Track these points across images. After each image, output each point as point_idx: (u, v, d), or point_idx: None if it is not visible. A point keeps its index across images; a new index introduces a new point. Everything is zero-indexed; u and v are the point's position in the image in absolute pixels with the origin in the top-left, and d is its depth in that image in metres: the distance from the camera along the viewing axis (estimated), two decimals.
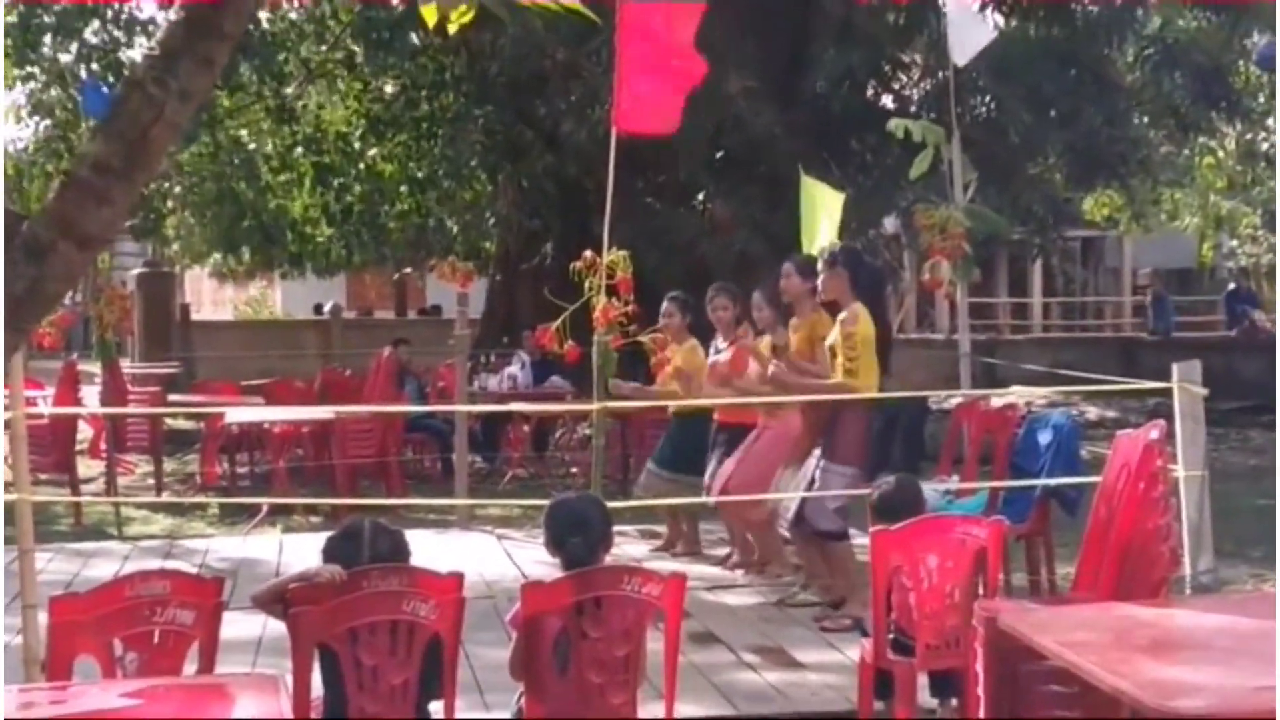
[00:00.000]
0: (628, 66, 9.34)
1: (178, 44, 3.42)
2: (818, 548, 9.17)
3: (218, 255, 29.13)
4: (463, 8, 3.35)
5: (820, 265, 9.08)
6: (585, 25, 16.86)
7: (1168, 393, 8.37)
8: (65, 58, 23.05)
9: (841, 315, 8.73)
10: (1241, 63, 22.98)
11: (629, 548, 10.80)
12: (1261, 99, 26.09)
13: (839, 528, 8.80)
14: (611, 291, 9.24)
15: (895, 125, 12.50)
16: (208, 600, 5.15)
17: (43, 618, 5.16)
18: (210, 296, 46.18)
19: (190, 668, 5.10)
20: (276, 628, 5.10)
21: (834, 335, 8.79)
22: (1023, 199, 20.10)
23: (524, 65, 19.65)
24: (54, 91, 23.67)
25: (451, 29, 3.45)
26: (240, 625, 6.82)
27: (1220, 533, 8.61)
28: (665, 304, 10.91)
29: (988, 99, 19.76)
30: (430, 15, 3.36)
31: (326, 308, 29.90)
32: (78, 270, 3.60)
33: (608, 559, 5.55)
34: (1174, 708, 3.91)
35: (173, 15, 3.60)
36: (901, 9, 20.03)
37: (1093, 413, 20.46)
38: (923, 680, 6.29)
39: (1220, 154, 30.78)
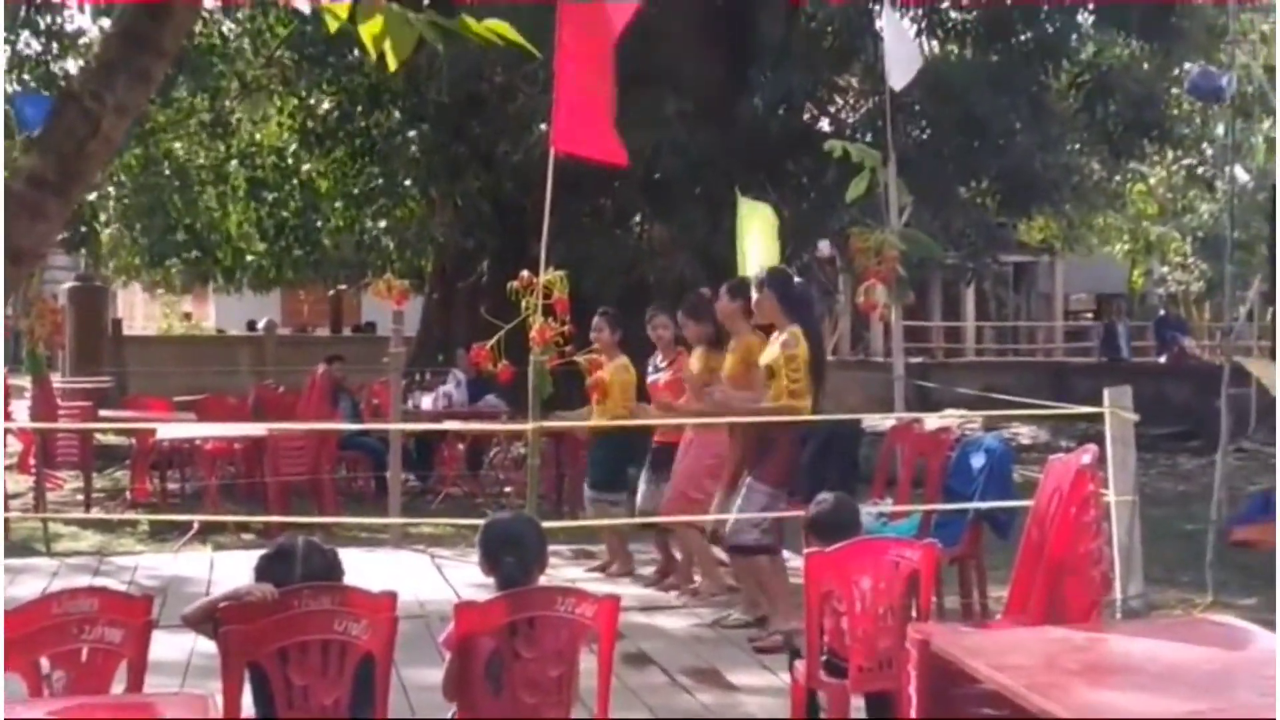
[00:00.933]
0: (565, 87, 9.35)
1: (114, 58, 3.38)
2: (742, 564, 9.20)
3: (149, 269, 28.86)
4: (403, 41, 3.33)
5: (753, 288, 9.12)
6: (522, 49, 16.99)
7: (1099, 417, 8.43)
8: None
9: (782, 337, 8.75)
10: (1174, 90, 23.23)
11: (564, 568, 10.78)
12: (1190, 129, 26.39)
13: (758, 541, 8.81)
14: (548, 311, 9.23)
15: (833, 146, 12.58)
16: (136, 618, 5.08)
17: None
18: (142, 311, 45.84)
19: (118, 687, 5.04)
20: (206, 647, 5.05)
21: (770, 356, 8.81)
22: (956, 223, 20.24)
23: (461, 86, 19.62)
24: None
25: (392, 64, 3.43)
26: (170, 644, 6.76)
27: (1150, 557, 8.69)
28: (596, 319, 10.93)
29: (923, 123, 19.91)
30: (371, 44, 3.34)
31: (260, 324, 29.73)
32: (13, 285, 3.56)
33: (542, 579, 5.53)
34: None
35: (108, 28, 3.58)
36: (838, 33, 20.14)
37: (1025, 436, 20.60)
38: (856, 702, 6.30)
39: (1152, 180, 31.09)
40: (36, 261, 3.59)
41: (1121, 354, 28.83)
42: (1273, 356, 14.27)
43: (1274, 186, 15.71)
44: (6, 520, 13.14)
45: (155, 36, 3.35)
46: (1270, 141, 18.62)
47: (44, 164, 3.32)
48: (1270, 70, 13.71)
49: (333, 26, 3.28)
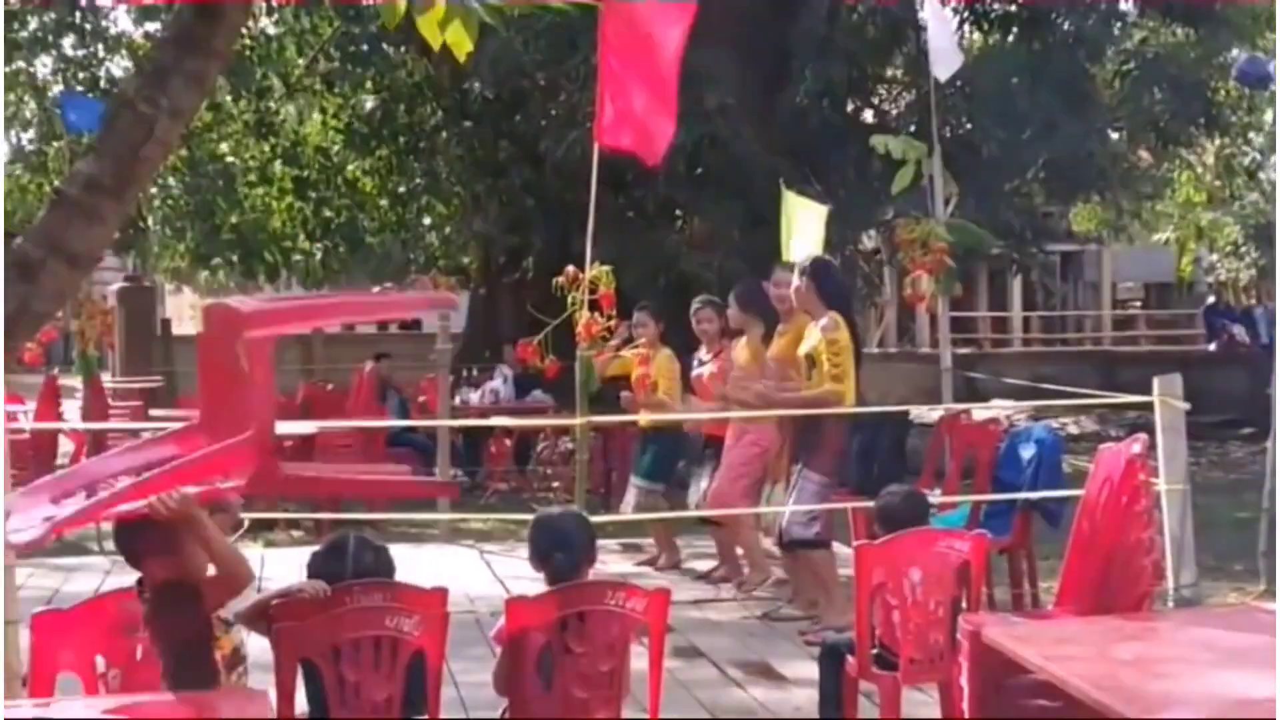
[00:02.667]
0: (610, 82, 9.35)
1: (168, 62, 3.40)
2: (796, 558, 9.19)
3: (196, 269, 29.02)
4: (466, 29, 3.33)
5: (794, 276, 9.12)
6: (564, 46, 16.94)
7: (1148, 407, 8.40)
8: (41, 70, 23.05)
9: (822, 322, 8.73)
10: (1219, 78, 23.08)
11: (613, 562, 10.79)
12: (1239, 114, 26.22)
13: (812, 535, 8.79)
14: (594, 306, 9.25)
15: (877, 141, 12.54)
16: None
17: (24, 634, 5.14)
18: (191, 311, 45.98)
19: None
20: (260, 643, 5.07)
21: (811, 343, 8.80)
22: (1002, 213, 20.17)
23: (504, 83, 19.65)
24: (31, 105, 23.65)
25: (460, 54, 3.43)
26: None
27: (1201, 546, 8.64)
28: (637, 314, 10.92)
29: (966, 115, 19.84)
30: (431, 37, 3.34)
31: None
32: (68, 289, 3.59)
33: (591, 574, 5.54)
34: None
35: (159, 32, 3.60)
36: (881, 25, 20.09)
37: (1073, 426, 20.50)
38: (908, 694, 6.29)
39: (1199, 168, 30.90)
40: (93, 265, 3.61)
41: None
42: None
43: None
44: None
45: (207, 39, 3.37)
46: None
47: (100, 168, 3.34)
48: None
49: (391, 22, 3.28)
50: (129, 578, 4.93)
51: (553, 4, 3.45)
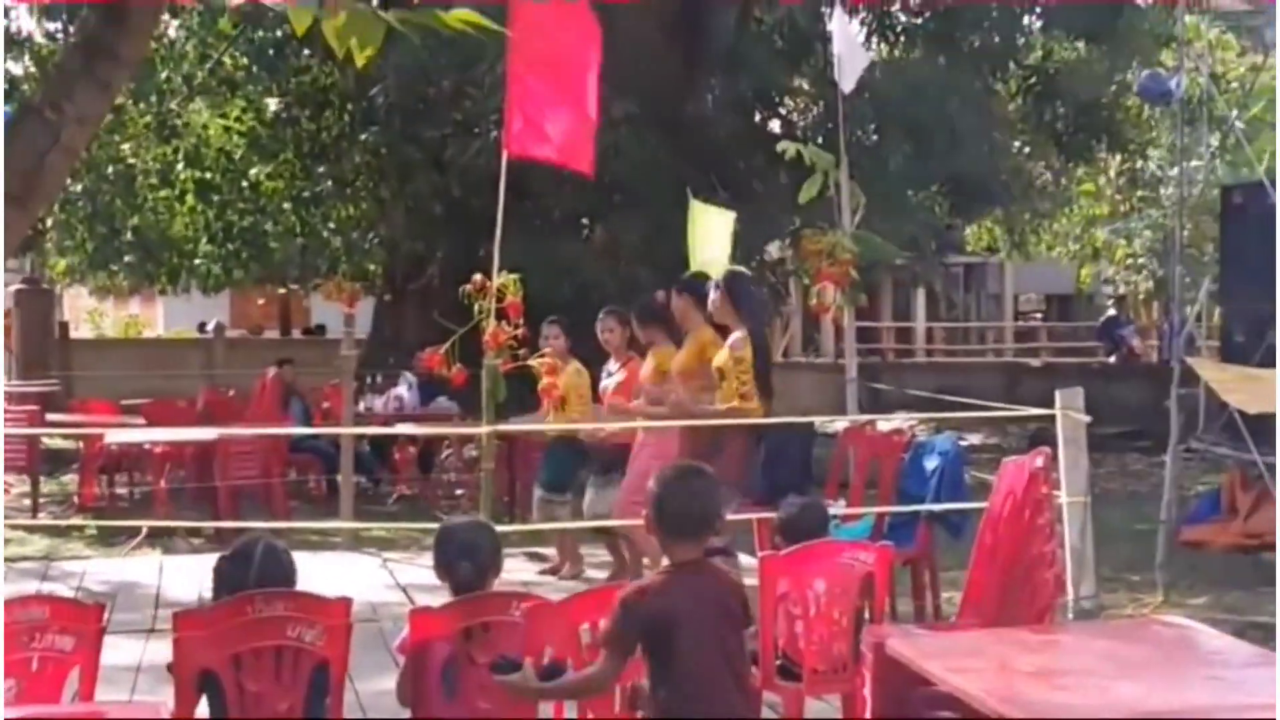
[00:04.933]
0: (518, 91, 9.33)
1: (74, 68, 3.35)
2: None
3: (94, 272, 28.66)
4: (370, 37, 3.31)
5: (711, 289, 9.15)
6: (470, 53, 16.89)
7: (1050, 418, 8.48)
8: None
9: (732, 339, 8.77)
10: (1121, 94, 23.38)
11: (517, 571, 10.75)
12: (1140, 130, 26.54)
13: (720, 544, 8.79)
14: (501, 315, 9.22)
15: (786, 147, 12.61)
16: (88, 626, 5.04)
17: None
18: (89, 314, 45.45)
19: (69, 695, 5.00)
20: (157, 655, 5.02)
21: (722, 358, 8.83)
22: (906, 226, 20.31)
23: (408, 89, 19.55)
24: None
25: (360, 60, 3.40)
26: (120, 651, 6.70)
27: (1101, 558, 8.73)
28: (547, 327, 10.93)
29: (873, 126, 19.96)
30: (336, 42, 3.31)
31: (209, 326, 29.54)
32: None
33: (496, 583, 5.51)
34: None
35: (67, 37, 3.54)
36: (788, 36, 20.18)
37: (975, 437, 20.67)
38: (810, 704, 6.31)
39: (1101, 181, 31.29)
40: None
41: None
42: (1221, 359, 14.36)
43: (1220, 189, 15.82)
44: None
45: (114, 45, 3.32)
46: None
47: (5, 176, 3.28)
48: (1216, 78, 13.82)
49: (300, 28, 3.24)
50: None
51: (458, 22, 3.38)
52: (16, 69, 23.11)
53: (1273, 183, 11.80)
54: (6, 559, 12.21)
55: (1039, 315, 43.17)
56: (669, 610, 4.87)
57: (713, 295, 9.06)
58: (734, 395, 8.68)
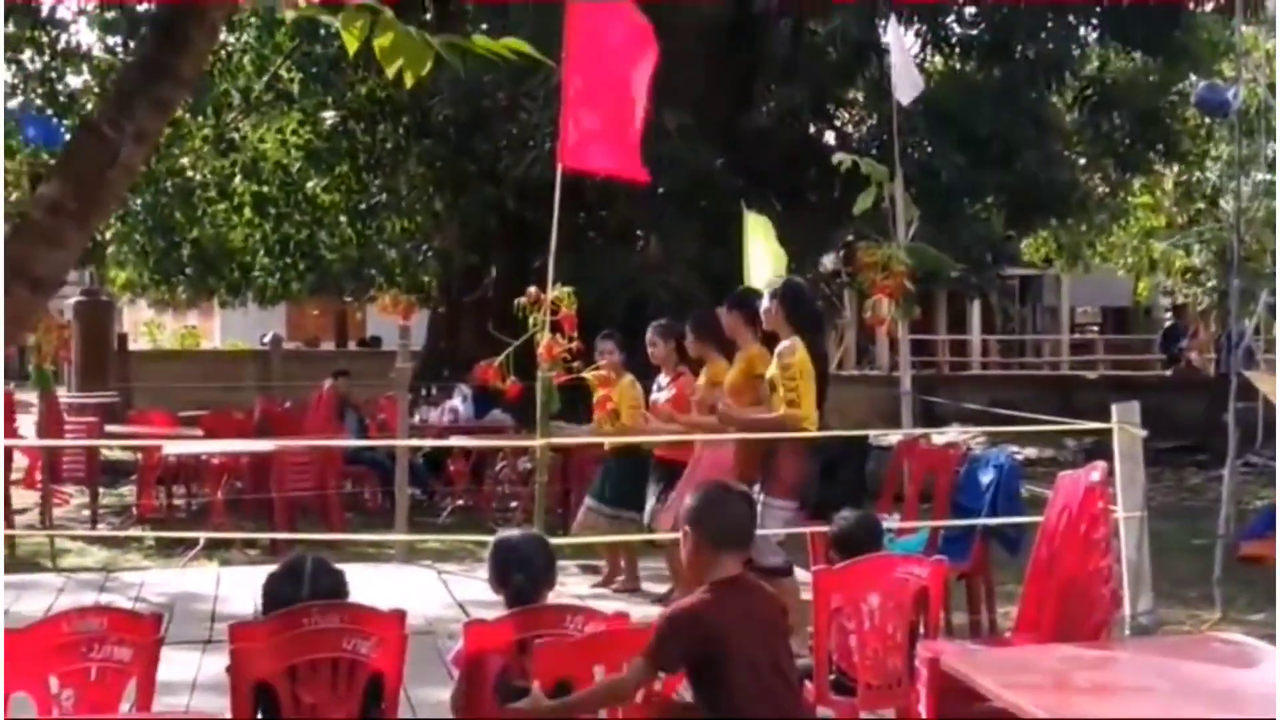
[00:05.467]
0: (573, 102, 9.35)
1: (134, 87, 3.38)
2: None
3: (154, 285, 28.88)
4: (422, 59, 3.32)
5: (764, 298, 9.14)
6: (524, 66, 16.99)
7: (1106, 432, 8.42)
8: None
9: (780, 347, 8.75)
10: (1178, 105, 23.22)
11: (570, 584, 10.75)
12: (1198, 141, 26.39)
13: (783, 562, 8.77)
14: (555, 328, 9.24)
15: (841, 159, 12.58)
16: (145, 637, 5.08)
17: None
18: (146, 326, 45.79)
19: (127, 705, 5.03)
20: (214, 666, 5.04)
21: (773, 368, 8.81)
22: (961, 238, 20.24)
23: (464, 102, 19.62)
24: None
25: (408, 81, 3.42)
26: (177, 662, 6.75)
27: (1157, 573, 8.66)
28: (601, 342, 10.96)
29: (927, 139, 19.91)
30: (386, 63, 3.33)
31: (266, 338, 29.74)
32: (32, 312, 3.55)
33: (550, 596, 5.52)
34: None
35: (117, 46, 3.56)
36: (843, 48, 20.15)
37: (1031, 451, 20.56)
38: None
39: (1158, 194, 31.10)
40: (56, 289, 3.58)
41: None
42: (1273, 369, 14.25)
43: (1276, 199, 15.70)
44: (12, 537, 13.14)
45: (174, 65, 3.35)
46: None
47: (64, 192, 3.31)
48: (1274, 88, 13.71)
49: (351, 47, 3.26)
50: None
51: (505, 49, 3.41)
52: (76, 82, 23.34)
53: None
54: (67, 569, 12.35)
55: (1095, 328, 42.89)
56: (720, 629, 4.87)
57: (765, 304, 9.04)
58: (781, 404, 8.66)
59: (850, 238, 19.04)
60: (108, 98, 3.41)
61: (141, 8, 21.42)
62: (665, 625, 4.92)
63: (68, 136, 18.99)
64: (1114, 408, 8.27)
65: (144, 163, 3.50)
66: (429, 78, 3.49)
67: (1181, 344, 29.83)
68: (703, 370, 10.18)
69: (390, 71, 3.37)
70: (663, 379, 10.81)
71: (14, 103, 22.23)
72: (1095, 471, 6.41)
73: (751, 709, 4.84)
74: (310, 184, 25.34)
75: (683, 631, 4.88)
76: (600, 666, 4.81)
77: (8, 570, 12.12)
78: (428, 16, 19.99)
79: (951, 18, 21.83)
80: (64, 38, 22.89)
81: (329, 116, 24.21)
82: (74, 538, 13.95)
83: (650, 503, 10.45)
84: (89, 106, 21.97)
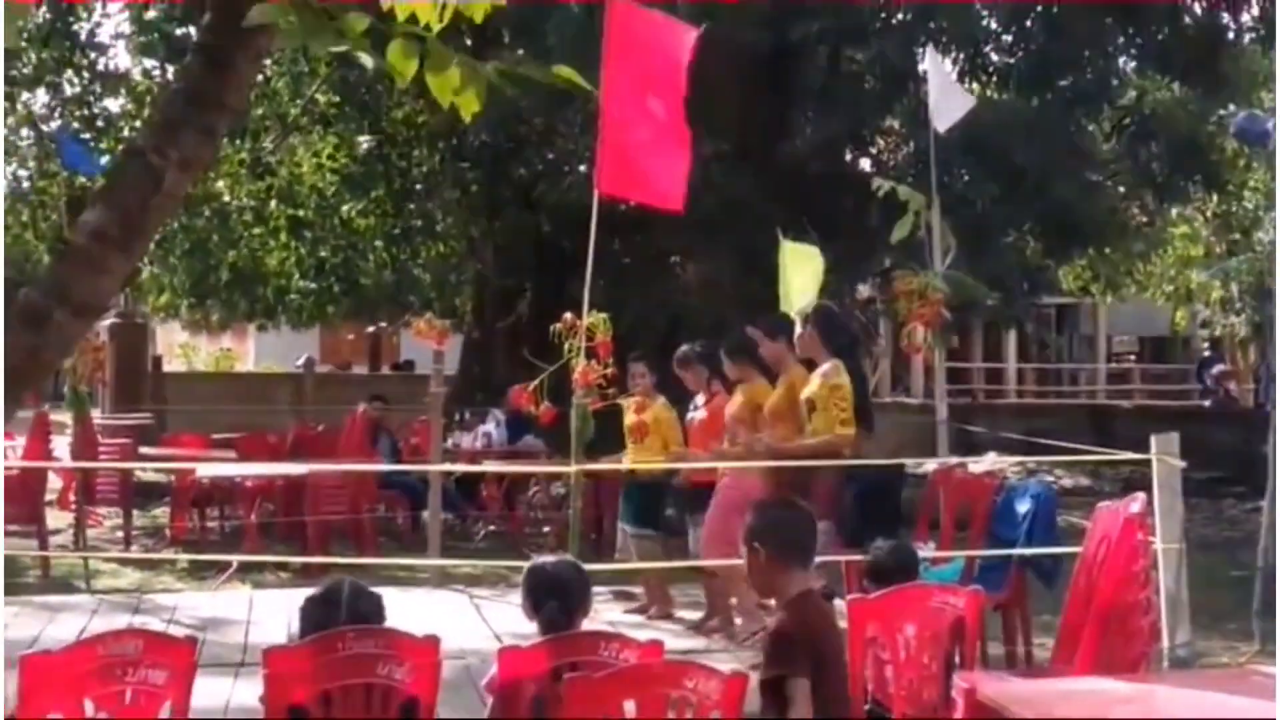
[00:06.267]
0: (611, 129, 9.34)
1: (179, 114, 3.38)
2: None
3: (190, 308, 29.03)
4: (475, 94, 3.32)
5: (798, 324, 9.13)
6: (561, 91, 17.04)
7: (1144, 463, 8.35)
8: (38, 109, 23.08)
9: (823, 369, 8.73)
10: (1217, 134, 23.11)
11: (604, 610, 10.71)
12: (1237, 171, 26.27)
13: (824, 588, 8.69)
14: (591, 354, 9.23)
15: (880, 185, 12.58)
16: (181, 661, 5.08)
17: (11, 675, 5.08)
18: (180, 349, 45.95)
19: None
20: (247, 690, 5.03)
21: (811, 389, 8.79)
22: (997, 266, 20.17)
23: (501, 128, 19.65)
24: (28, 141, 23.66)
25: (466, 116, 3.41)
26: (211, 686, 6.73)
27: (1196, 605, 8.59)
28: (633, 365, 10.94)
29: (962, 168, 19.86)
30: (441, 97, 3.31)
31: (300, 361, 29.85)
32: (75, 338, 3.56)
33: (585, 623, 5.50)
34: None
35: (154, 69, 3.55)
36: (881, 76, 20.13)
37: (1067, 480, 20.46)
38: None
39: (1196, 223, 30.98)
40: (100, 314, 3.60)
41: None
42: None
43: None
44: (46, 558, 13.17)
45: (218, 93, 3.35)
46: None
47: (107, 219, 3.31)
48: None
49: (402, 80, 3.26)
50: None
51: (558, 77, 3.40)
52: (114, 106, 23.50)
53: None
54: (101, 591, 12.37)
55: (1132, 357, 42.70)
56: (822, 637, 4.94)
57: (799, 330, 9.02)
58: (834, 423, 8.65)
59: (887, 265, 18.98)
60: (152, 125, 3.40)
61: (180, 31, 21.55)
62: (784, 644, 4.94)
63: (104, 161, 19.13)
64: (1153, 438, 8.20)
65: (187, 190, 3.49)
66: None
67: (1214, 371, 29.67)
68: (737, 390, 10.15)
69: (445, 103, 3.35)
70: (699, 399, 10.81)
71: (52, 125, 22.40)
72: (1135, 503, 6.36)
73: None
74: (346, 208, 25.44)
75: (800, 642, 4.91)
76: (631, 701, 4.75)
77: (43, 591, 12.17)
78: (467, 42, 20.08)
79: (990, 46, 21.77)
80: (102, 61, 23.06)
81: (365, 141, 24.31)
82: (108, 559, 13.98)
83: (691, 530, 10.43)
84: (126, 131, 22.11)
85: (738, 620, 10.27)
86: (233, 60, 3.36)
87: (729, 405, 10.28)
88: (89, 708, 4.89)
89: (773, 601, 8.87)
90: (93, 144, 21.25)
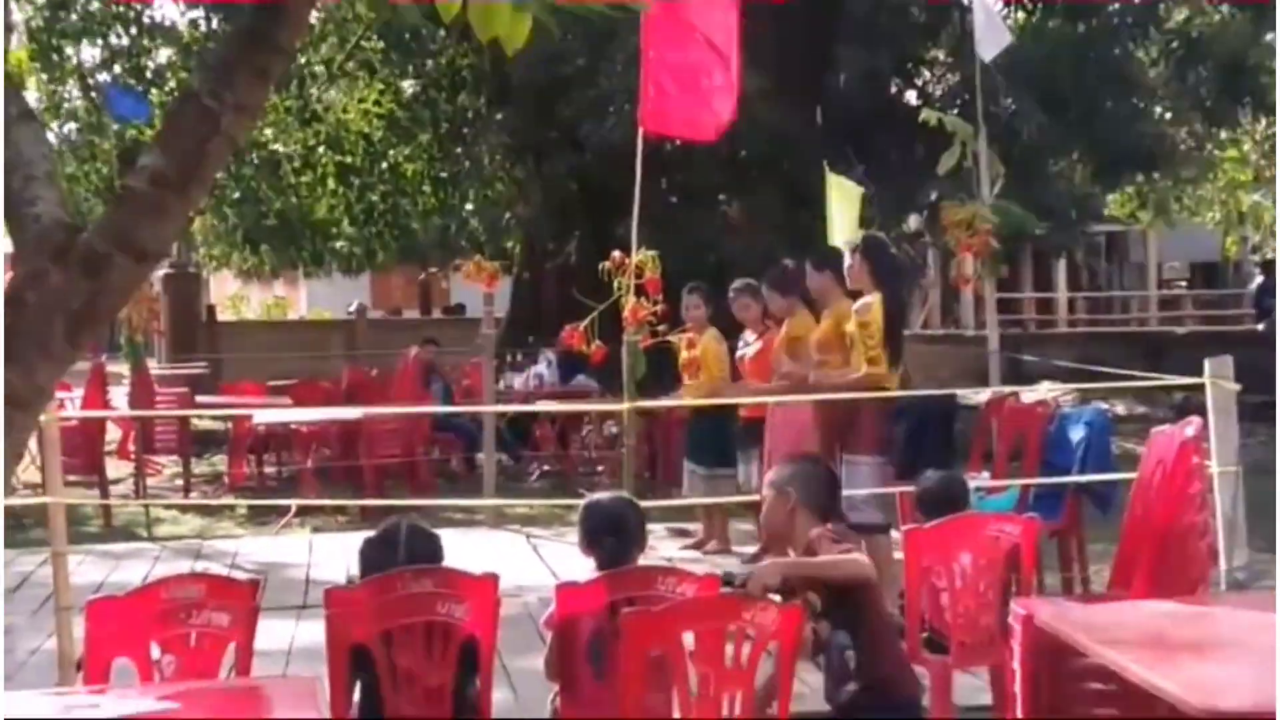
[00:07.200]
0: (652, 67, 9.30)
1: (233, 57, 3.38)
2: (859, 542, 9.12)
3: (241, 255, 29.16)
4: (520, 29, 3.30)
5: (846, 255, 9.11)
6: (602, 30, 16.97)
7: (1198, 388, 8.32)
8: (87, 62, 23.17)
9: (858, 304, 8.73)
10: (1265, 56, 22.85)
11: (660, 546, 10.76)
12: None
13: (876, 519, 8.71)
14: (640, 291, 9.24)
15: (927, 116, 12.51)
16: (243, 603, 5.13)
17: (78, 620, 5.17)
18: (230, 300, 46.16)
19: (226, 670, 5.09)
20: (310, 631, 5.10)
21: (851, 324, 8.80)
22: (1046, 195, 20.05)
23: (543, 69, 19.62)
24: (77, 96, 23.78)
25: (509, 51, 3.40)
26: (273, 628, 6.81)
27: (1252, 528, 8.57)
28: (688, 296, 10.96)
29: (1008, 96, 19.73)
30: (484, 33, 3.30)
31: (352, 307, 29.97)
32: (135, 284, 3.56)
33: (640, 559, 5.53)
34: (1216, 706, 3.88)
35: (200, 20, 3.55)
36: (925, 6, 20.00)
37: (1121, 408, 20.36)
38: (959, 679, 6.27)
39: (1245, 147, 30.65)
40: (159, 260, 3.61)
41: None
42: None
43: None
44: (108, 506, 13.31)
45: (273, 34, 3.35)
46: None
47: (165, 163, 3.32)
48: None
49: (447, 16, 3.25)
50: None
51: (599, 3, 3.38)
52: (161, 57, 23.58)
53: None
54: (162, 538, 12.51)
55: (1183, 284, 42.38)
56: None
57: (849, 261, 9.01)
58: (862, 362, 8.64)
59: (934, 197, 18.90)
60: (206, 68, 3.42)
61: None
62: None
63: (151, 111, 19.19)
64: (1206, 362, 8.16)
65: (244, 134, 3.49)
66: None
67: (1271, 299, 29.35)
68: (785, 324, 10.14)
69: (486, 39, 3.34)
70: (749, 335, 10.81)
71: (103, 78, 22.50)
72: (1190, 426, 6.33)
73: (891, 646, 5.48)
74: (392, 153, 25.48)
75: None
76: (690, 632, 4.79)
77: (106, 539, 12.32)
78: None
79: None
80: (148, 13, 23.12)
81: (410, 86, 24.33)
82: (168, 506, 14.13)
83: (743, 465, 10.45)
84: (174, 83, 22.18)
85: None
86: (286, 3, 3.36)
87: (775, 339, 10.27)
88: (155, 651, 4.95)
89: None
90: (141, 94, 21.32)
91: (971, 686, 6.64)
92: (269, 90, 3.54)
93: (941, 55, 22.50)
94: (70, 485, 12.76)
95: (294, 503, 12.88)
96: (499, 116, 22.85)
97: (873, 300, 8.70)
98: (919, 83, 22.98)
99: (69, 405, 14.21)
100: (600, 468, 15.63)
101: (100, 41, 22.94)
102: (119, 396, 15.96)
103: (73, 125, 24.28)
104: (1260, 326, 28.21)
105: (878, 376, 8.63)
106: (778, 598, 5.03)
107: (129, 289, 3.54)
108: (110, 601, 5.06)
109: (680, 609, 4.94)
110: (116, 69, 23.00)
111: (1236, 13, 22.23)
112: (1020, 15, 22.59)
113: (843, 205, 11.41)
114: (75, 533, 11.11)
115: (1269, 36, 22.19)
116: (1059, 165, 21.56)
